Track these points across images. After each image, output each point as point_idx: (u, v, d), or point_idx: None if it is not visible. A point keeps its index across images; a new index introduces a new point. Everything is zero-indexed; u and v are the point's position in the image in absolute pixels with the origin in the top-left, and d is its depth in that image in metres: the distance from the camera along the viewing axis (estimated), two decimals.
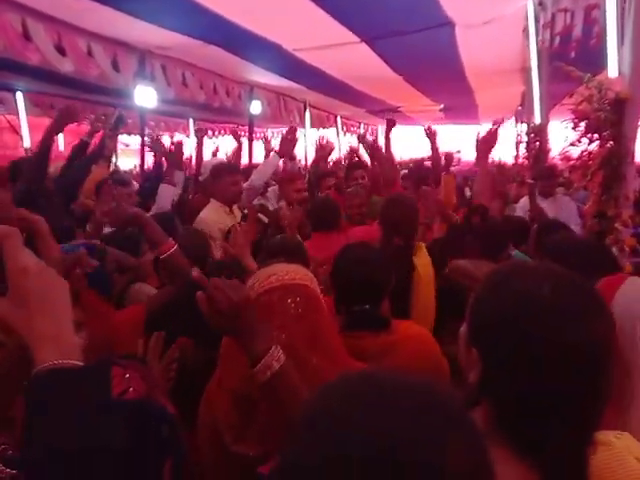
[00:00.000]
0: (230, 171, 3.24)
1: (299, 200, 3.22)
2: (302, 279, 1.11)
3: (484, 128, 2.77)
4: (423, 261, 2.09)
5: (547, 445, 0.66)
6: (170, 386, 1.36)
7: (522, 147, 5.55)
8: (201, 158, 4.50)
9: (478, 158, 2.65)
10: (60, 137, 7.22)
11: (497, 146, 2.77)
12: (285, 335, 1.01)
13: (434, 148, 3.91)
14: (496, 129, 2.67)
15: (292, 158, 3.89)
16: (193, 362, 1.38)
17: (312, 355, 1.03)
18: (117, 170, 5.75)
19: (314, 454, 0.45)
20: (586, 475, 0.65)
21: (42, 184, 2.71)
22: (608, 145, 2.34)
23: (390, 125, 4.11)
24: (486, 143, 2.63)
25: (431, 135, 3.91)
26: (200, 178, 4.06)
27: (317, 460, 0.44)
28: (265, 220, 2.69)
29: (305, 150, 8.47)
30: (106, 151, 3.03)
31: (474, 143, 2.63)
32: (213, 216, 3.00)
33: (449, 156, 3.81)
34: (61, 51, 4.10)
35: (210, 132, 8.86)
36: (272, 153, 3.76)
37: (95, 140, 3.41)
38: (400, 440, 0.43)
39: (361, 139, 4.41)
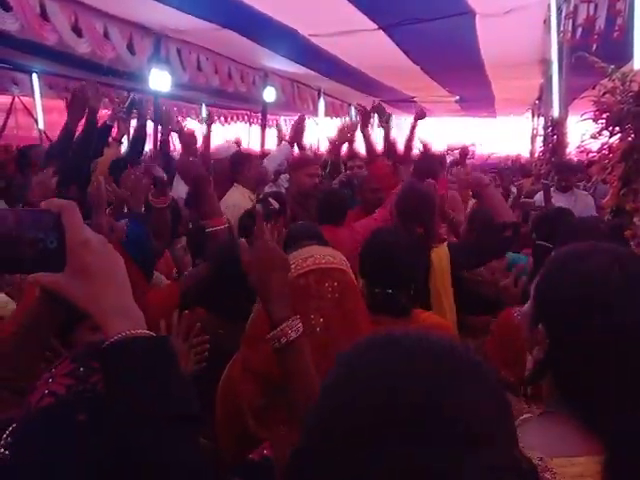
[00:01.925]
0: (258, 157, 3.24)
1: (312, 186, 3.17)
2: (339, 264, 1.10)
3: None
4: (440, 254, 2.07)
5: (609, 423, 0.67)
6: (199, 369, 1.36)
7: (539, 141, 5.48)
8: (209, 144, 4.49)
9: (479, 188, 2.48)
10: None
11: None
12: (323, 319, 1.01)
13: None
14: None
15: (302, 147, 3.84)
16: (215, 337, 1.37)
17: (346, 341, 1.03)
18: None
19: (343, 414, 0.45)
20: None
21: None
22: (629, 138, 2.29)
23: (419, 116, 3.86)
24: (473, 179, 2.47)
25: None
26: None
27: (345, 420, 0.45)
28: (276, 206, 2.66)
29: (318, 139, 8.42)
30: (118, 134, 3.03)
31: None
32: (240, 201, 2.89)
33: (465, 149, 3.74)
34: (77, 32, 4.09)
35: (222, 118, 8.84)
36: (283, 142, 3.75)
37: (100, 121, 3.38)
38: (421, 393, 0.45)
39: (376, 109, 4.21)
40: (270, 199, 2.66)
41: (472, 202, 3.49)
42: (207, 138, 4.44)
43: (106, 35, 4.38)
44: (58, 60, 5.17)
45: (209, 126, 4.59)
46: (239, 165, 3.11)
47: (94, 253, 0.61)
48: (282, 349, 0.91)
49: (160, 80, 4.93)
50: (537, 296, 0.78)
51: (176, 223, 2.41)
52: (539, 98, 6.82)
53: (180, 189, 3.14)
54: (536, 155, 5.71)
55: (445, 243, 2.18)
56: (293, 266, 1.05)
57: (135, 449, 0.56)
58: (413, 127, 3.76)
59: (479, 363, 0.49)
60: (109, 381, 0.60)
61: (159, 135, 4.83)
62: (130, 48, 4.68)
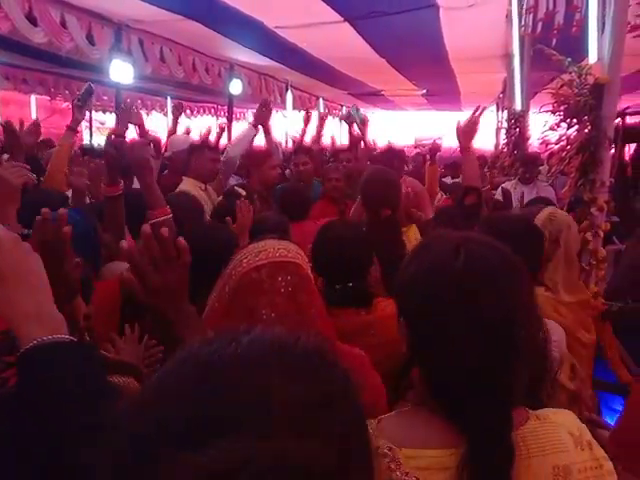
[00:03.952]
0: (211, 148, 3.16)
1: (276, 177, 3.14)
2: (294, 257, 1.07)
3: (466, 115, 2.69)
4: (410, 236, 2.09)
5: (467, 413, 0.66)
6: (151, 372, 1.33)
7: (502, 134, 5.59)
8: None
9: (462, 145, 2.54)
10: (33, 110, 6.98)
11: (479, 133, 2.69)
12: (275, 314, 0.99)
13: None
14: (478, 116, 2.59)
15: (268, 131, 3.76)
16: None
17: None
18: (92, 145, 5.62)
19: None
20: (509, 443, 0.64)
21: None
22: (586, 130, 2.35)
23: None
24: (468, 130, 2.54)
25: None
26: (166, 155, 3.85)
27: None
28: (243, 193, 2.63)
29: (286, 132, 8.37)
30: (73, 124, 2.92)
31: (455, 130, 2.53)
32: (192, 192, 2.88)
33: (435, 146, 3.72)
34: (32, 21, 3.94)
35: (188, 111, 8.68)
36: (247, 125, 3.66)
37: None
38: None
39: (345, 117, 4.22)
40: (236, 188, 2.64)
41: (439, 196, 3.52)
42: (173, 130, 4.34)
43: (63, 25, 4.23)
44: (13, 50, 4.98)
45: (176, 118, 4.50)
46: (191, 155, 3.05)
47: (5, 254, 0.58)
48: None
49: (122, 72, 4.79)
50: (395, 289, 0.77)
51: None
52: (503, 92, 6.94)
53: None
54: (500, 148, 5.82)
55: (413, 224, 2.19)
56: (245, 260, 1.03)
57: (52, 454, 0.54)
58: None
59: None
60: (24, 389, 0.57)
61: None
62: (90, 38, 4.53)
